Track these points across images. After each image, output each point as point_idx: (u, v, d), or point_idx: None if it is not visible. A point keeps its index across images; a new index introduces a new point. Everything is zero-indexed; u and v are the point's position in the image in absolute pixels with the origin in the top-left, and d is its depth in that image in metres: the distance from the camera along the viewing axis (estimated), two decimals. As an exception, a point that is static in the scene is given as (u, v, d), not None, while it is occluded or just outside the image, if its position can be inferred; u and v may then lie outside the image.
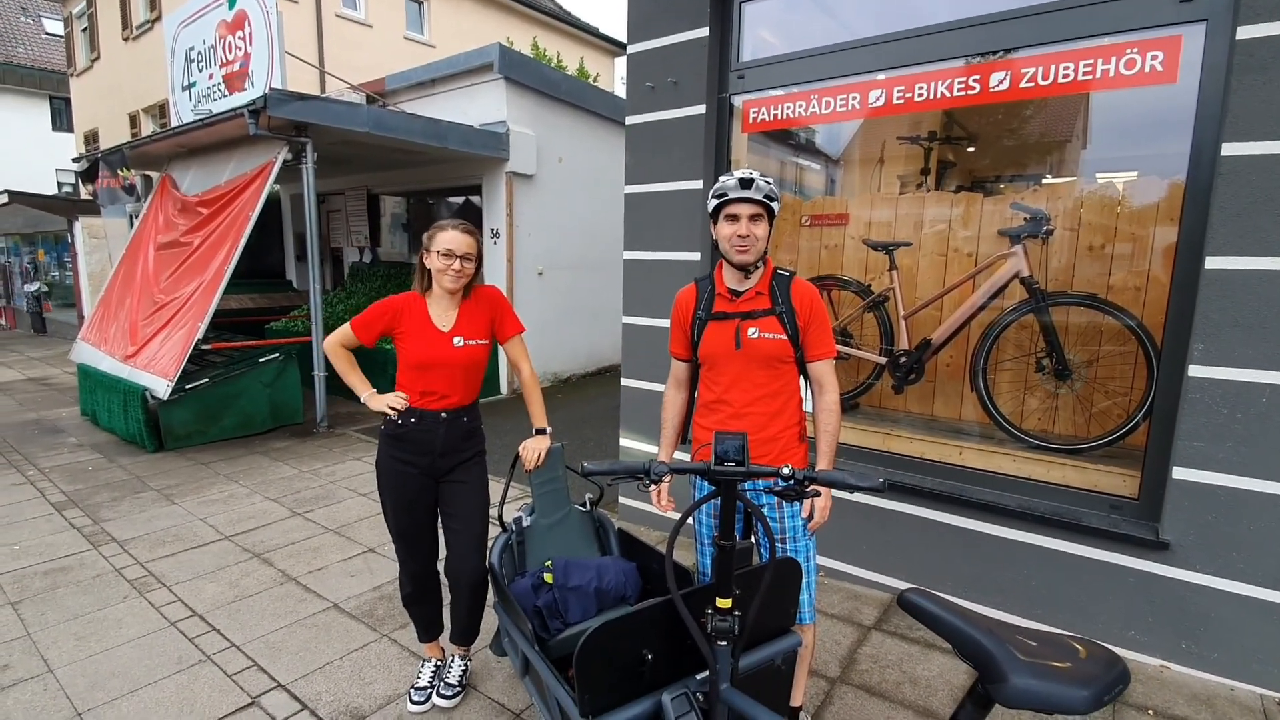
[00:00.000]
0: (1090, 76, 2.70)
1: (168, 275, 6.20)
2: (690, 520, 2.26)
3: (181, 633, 2.93)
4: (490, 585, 2.40)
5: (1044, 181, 3.28)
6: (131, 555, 3.67)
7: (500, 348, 2.51)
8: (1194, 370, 2.51)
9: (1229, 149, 2.36)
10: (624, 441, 4.23)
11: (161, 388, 5.28)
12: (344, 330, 2.39)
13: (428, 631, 2.59)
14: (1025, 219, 3.19)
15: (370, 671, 2.69)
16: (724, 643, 1.57)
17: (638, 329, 4.06)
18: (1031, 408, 3.32)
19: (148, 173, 8.70)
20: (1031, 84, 2.83)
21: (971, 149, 3.57)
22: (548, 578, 2.34)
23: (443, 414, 2.34)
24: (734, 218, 2.03)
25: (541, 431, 2.51)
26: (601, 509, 2.66)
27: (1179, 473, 2.57)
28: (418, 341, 2.30)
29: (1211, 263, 2.43)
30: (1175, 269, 2.60)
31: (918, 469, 3.34)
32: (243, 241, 5.48)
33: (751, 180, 1.99)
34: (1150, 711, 2.41)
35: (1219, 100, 2.42)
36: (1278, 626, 2.46)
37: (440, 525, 2.47)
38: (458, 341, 2.32)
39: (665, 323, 3.85)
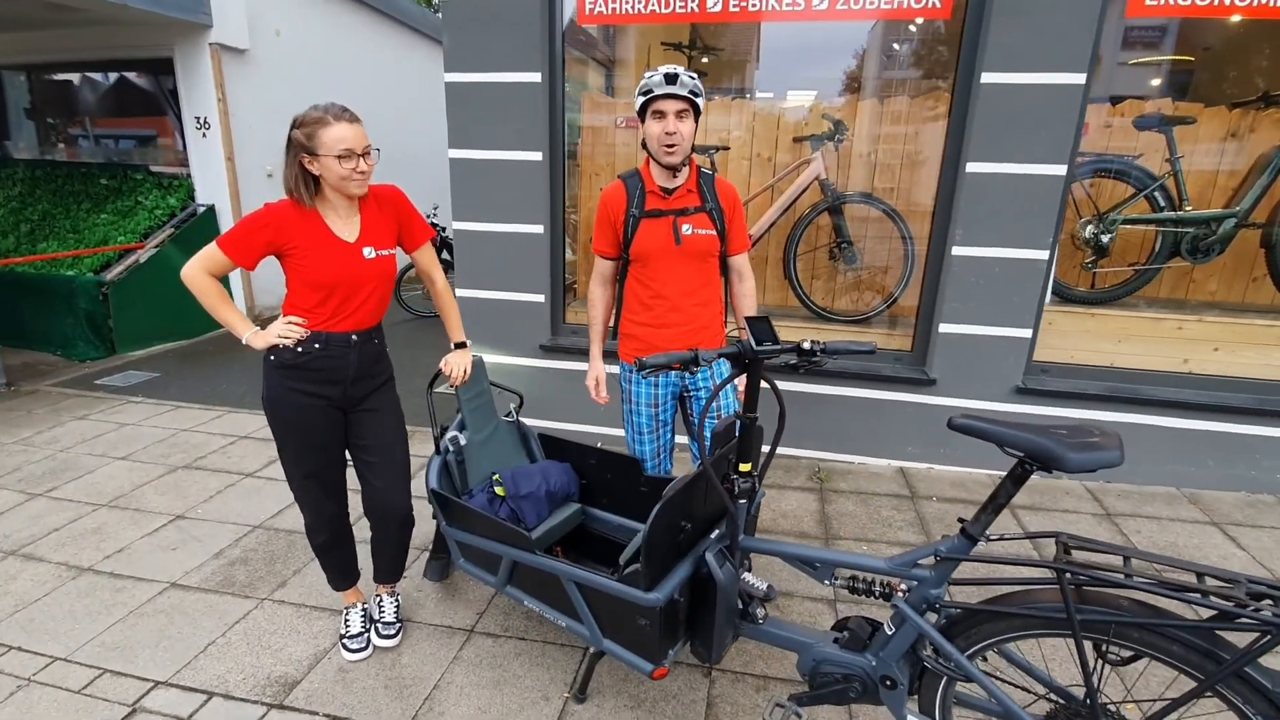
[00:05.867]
0: (890, 7, 3.23)
1: None
2: (632, 412, 2.40)
3: (-43, 666, 2.18)
4: (437, 509, 2.26)
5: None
6: None
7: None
8: (955, 250, 3.35)
9: (986, 78, 3.10)
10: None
11: None
12: (208, 253, 1.91)
13: (346, 578, 2.35)
14: (828, 127, 3.75)
15: (271, 638, 2.36)
16: (743, 501, 1.81)
17: (472, 235, 3.81)
18: (829, 289, 4.06)
19: None
20: (846, 7, 3.26)
21: (715, 59, 4.05)
22: (499, 491, 2.30)
23: (353, 336, 2.06)
24: (660, 114, 2.08)
25: (461, 345, 2.35)
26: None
27: (943, 328, 3.46)
28: (320, 257, 1.94)
29: (971, 167, 3.22)
30: (943, 172, 3.37)
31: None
32: None
33: (676, 76, 2.05)
34: (934, 498, 3.35)
35: (977, 37, 3.11)
36: (993, 426, 3.55)
37: (351, 460, 2.21)
38: (368, 253, 2.02)
39: (501, 227, 3.74)
